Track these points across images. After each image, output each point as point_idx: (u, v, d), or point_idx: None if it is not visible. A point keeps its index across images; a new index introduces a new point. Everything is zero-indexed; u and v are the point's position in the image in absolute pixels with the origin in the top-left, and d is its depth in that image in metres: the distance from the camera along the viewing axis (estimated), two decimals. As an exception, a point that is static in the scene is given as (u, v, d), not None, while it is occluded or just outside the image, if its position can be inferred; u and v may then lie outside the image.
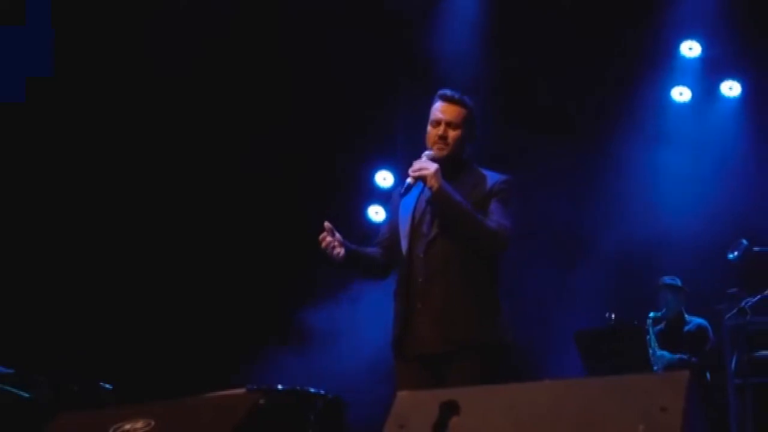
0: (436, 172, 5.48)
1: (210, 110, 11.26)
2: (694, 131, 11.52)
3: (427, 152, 5.67)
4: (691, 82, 11.56)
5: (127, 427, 4.49)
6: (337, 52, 11.11)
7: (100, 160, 11.13)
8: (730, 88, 11.45)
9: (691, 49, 11.34)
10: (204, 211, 11.60)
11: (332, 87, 11.36)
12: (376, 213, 12.71)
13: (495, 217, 5.56)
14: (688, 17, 10.96)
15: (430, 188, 5.49)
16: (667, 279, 10.33)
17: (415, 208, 5.76)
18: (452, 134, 5.71)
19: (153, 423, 4.48)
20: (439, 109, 5.79)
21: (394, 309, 5.72)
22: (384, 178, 12.61)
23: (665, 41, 11.26)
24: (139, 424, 4.47)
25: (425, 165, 5.55)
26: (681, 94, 11.63)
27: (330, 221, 5.71)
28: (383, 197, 12.62)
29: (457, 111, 5.77)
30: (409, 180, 5.57)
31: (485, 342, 5.51)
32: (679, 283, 10.30)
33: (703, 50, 11.30)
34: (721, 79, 11.46)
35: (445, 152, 5.67)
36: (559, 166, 10.86)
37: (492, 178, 5.73)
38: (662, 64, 11.42)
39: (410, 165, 11.42)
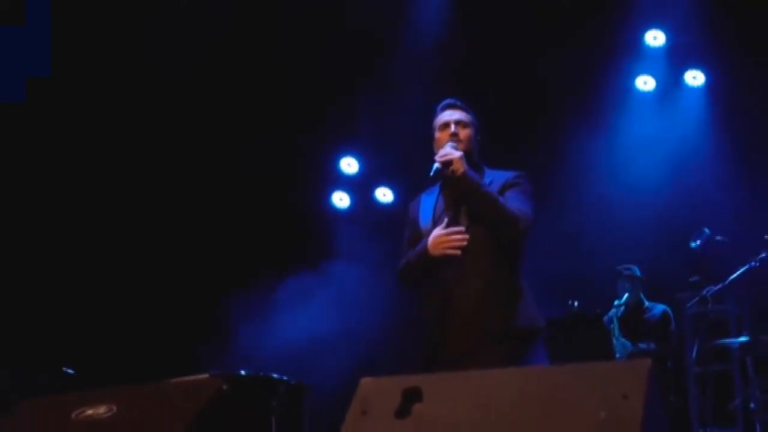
0: (461, 157, 5.54)
1: (178, 104, 11.24)
2: (658, 120, 11.57)
3: (450, 143, 5.69)
4: (656, 71, 11.61)
5: (90, 412, 4.47)
6: (302, 39, 11.09)
7: (97, 160, 11.13)
8: (694, 78, 11.50)
9: (655, 38, 11.37)
10: (166, 199, 11.59)
11: (296, 73, 11.33)
12: (341, 199, 12.72)
13: (515, 204, 5.59)
14: (653, 6, 11.00)
15: (455, 172, 5.51)
16: (623, 268, 10.39)
17: (434, 212, 5.79)
18: (463, 132, 5.78)
19: (115, 408, 4.47)
20: (445, 114, 5.89)
21: (425, 314, 5.69)
22: (348, 164, 12.62)
23: (630, 30, 11.29)
24: (102, 410, 4.46)
25: (450, 151, 5.60)
26: (645, 83, 11.67)
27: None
28: (348, 183, 12.65)
29: (462, 113, 5.88)
30: (437, 165, 5.56)
31: (518, 330, 5.52)
32: (635, 271, 10.36)
33: (667, 40, 11.34)
34: (685, 69, 11.51)
35: (461, 148, 5.69)
36: (521, 153, 10.87)
37: (505, 174, 5.78)
38: (627, 53, 11.45)
39: (375, 150, 11.49)
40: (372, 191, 12.79)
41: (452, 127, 5.78)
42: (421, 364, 5.68)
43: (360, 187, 12.76)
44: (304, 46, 11.11)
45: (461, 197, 5.65)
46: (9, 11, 9.99)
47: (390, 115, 11.47)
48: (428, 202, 5.87)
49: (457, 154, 5.56)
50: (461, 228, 5.55)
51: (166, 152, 11.42)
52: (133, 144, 11.28)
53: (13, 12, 9.99)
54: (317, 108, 11.56)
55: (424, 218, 5.80)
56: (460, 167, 5.51)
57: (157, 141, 11.34)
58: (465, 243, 5.51)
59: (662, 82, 11.63)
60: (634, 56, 11.49)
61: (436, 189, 5.88)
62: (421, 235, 5.72)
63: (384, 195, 12.79)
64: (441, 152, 5.62)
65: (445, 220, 5.63)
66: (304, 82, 11.35)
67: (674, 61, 11.50)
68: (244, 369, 5.76)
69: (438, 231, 5.58)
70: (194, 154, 11.53)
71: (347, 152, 12.58)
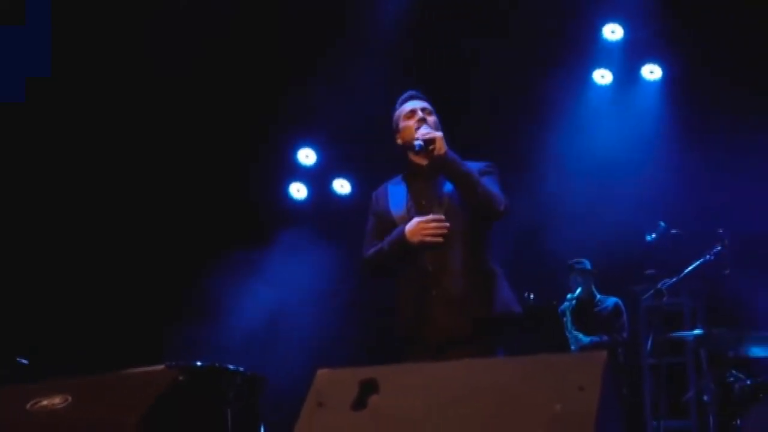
0: (442, 137, 5.59)
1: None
2: (615, 114, 11.63)
3: (426, 126, 5.72)
4: (613, 65, 11.66)
5: (45, 402, 4.45)
6: (258, 28, 11.04)
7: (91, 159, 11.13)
8: (651, 72, 11.57)
9: (613, 32, 11.41)
10: (120, 189, 11.54)
11: (254, 65, 11.29)
12: (298, 191, 12.71)
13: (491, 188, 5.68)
14: (611, 0, 11.04)
15: (438, 150, 5.54)
16: (574, 262, 10.46)
17: (407, 200, 5.81)
18: (430, 119, 5.81)
19: (70, 398, 4.45)
20: (410, 104, 5.90)
21: (402, 302, 5.71)
22: (306, 156, 12.61)
23: (588, 24, 11.33)
24: (57, 400, 4.44)
25: (431, 130, 5.66)
26: (603, 76, 11.73)
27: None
28: (305, 175, 12.64)
29: (425, 103, 5.91)
30: (419, 141, 5.58)
31: (499, 315, 5.59)
32: (587, 264, 10.42)
33: (625, 34, 11.38)
34: (643, 63, 11.57)
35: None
36: (476, 144, 10.87)
37: (476, 164, 5.81)
38: (585, 47, 11.49)
39: (332, 142, 11.46)
40: (329, 183, 12.79)
41: (419, 113, 5.79)
42: (397, 351, 5.70)
43: (317, 179, 12.75)
44: (260, 36, 11.07)
45: (444, 177, 5.68)
46: (9, 11, 9.93)
47: (348, 107, 11.47)
48: (397, 191, 5.88)
49: (439, 133, 5.61)
50: (441, 216, 5.58)
51: (123, 144, 11.36)
52: (97, 137, 11.23)
53: (13, 12, 9.94)
54: (276, 99, 11.53)
55: (396, 207, 5.81)
56: (442, 146, 5.55)
57: (119, 133, 11.30)
58: (446, 231, 5.54)
59: (619, 76, 11.69)
60: (592, 50, 11.53)
61: (402, 179, 5.90)
62: (393, 224, 5.73)
63: (341, 186, 12.80)
64: (422, 130, 5.65)
65: (424, 207, 5.67)
66: (263, 74, 11.32)
67: (632, 55, 11.55)
68: (199, 360, 5.75)
69: (417, 219, 5.59)
70: (150, 146, 11.48)
71: (305, 143, 12.57)
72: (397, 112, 5.94)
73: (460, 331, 5.48)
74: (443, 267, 5.57)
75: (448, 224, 5.56)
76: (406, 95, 5.98)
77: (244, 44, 11.05)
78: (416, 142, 5.59)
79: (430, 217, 5.58)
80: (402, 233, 5.61)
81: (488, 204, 5.61)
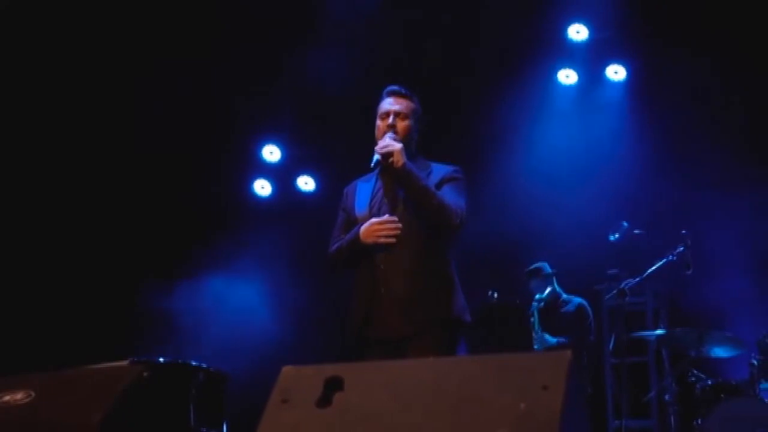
0: (401, 149, 5.64)
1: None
2: (580, 114, 11.65)
3: (390, 134, 5.78)
4: (578, 65, 11.68)
5: (7, 398, 4.43)
6: (225, 23, 11.01)
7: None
8: (616, 72, 11.60)
9: (578, 32, 11.43)
10: (90, 186, 11.49)
11: (219, 61, 11.26)
12: (262, 187, 12.69)
13: (450, 198, 5.69)
14: (576, 0, 11.06)
15: (395, 163, 5.61)
16: (533, 268, 10.45)
17: (371, 199, 5.87)
18: (401, 124, 5.86)
19: (33, 394, 4.42)
20: (387, 103, 5.95)
21: (355, 300, 5.77)
22: (271, 152, 12.58)
23: (553, 24, 11.34)
24: (19, 395, 4.42)
25: (390, 143, 5.69)
26: (567, 76, 11.75)
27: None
28: (270, 171, 12.61)
29: (405, 103, 5.94)
30: (377, 156, 5.66)
31: (447, 319, 5.63)
32: (546, 268, 10.42)
33: (590, 34, 11.41)
34: (607, 63, 11.60)
35: (398, 139, 5.78)
36: (442, 146, 10.89)
37: (443, 168, 5.90)
38: (550, 47, 11.51)
39: (297, 139, 11.44)
40: (294, 179, 12.77)
41: (390, 118, 5.84)
42: (350, 347, 5.73)
43: (282, 176, 12.73)
44: (226, 30, 11.03)
45: (399, 188, 5.73)
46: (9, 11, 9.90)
47: (313, 104, 11.46)
48: (365, 189, 5.95)
49: (398, 146, 5.66)
50: (395, 218, 5.64)
51: (85, 141, 11.31)
52: (57, 134, 11.18)
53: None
54: (240, 96, 11.50)
55: (360, 205, 5.88)
56: (400, 159, 5.60)
57: (81, 131, 11.25)
58: (398, 232, 5.59)
59: (584, 76, 11.72)
60: (557, 50, 11.55)
61: (373, 176, 5.97)
62: (355, 221, 5.82)
63: (306, 183, 12.79)
64: (381, 143, 5.71)
65: (383, 209, 5.73)
66: (228, 70, 11.28)
67: (596, 55, 11.58)
68: (162, 356, 5.74)
69: (372, 219, 5.66)
70: (111, 143, 11.42)
71: (270, 140, 12.54)
72: (379, 105, 5.99)
73: (407, 332, 5.54)
74: (394, 267, 5.64)
75: (400, 225, 5.62)
76: (388, 89, 6.03)
77: (208, 41, 11.00)
78: (375, 156, 5.68)
79: (385, 218, 5.66)
80: (356, 234, 5.70)
81: (443, 218, 5.65)
